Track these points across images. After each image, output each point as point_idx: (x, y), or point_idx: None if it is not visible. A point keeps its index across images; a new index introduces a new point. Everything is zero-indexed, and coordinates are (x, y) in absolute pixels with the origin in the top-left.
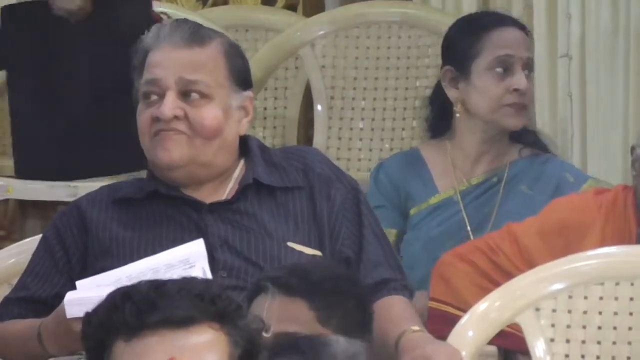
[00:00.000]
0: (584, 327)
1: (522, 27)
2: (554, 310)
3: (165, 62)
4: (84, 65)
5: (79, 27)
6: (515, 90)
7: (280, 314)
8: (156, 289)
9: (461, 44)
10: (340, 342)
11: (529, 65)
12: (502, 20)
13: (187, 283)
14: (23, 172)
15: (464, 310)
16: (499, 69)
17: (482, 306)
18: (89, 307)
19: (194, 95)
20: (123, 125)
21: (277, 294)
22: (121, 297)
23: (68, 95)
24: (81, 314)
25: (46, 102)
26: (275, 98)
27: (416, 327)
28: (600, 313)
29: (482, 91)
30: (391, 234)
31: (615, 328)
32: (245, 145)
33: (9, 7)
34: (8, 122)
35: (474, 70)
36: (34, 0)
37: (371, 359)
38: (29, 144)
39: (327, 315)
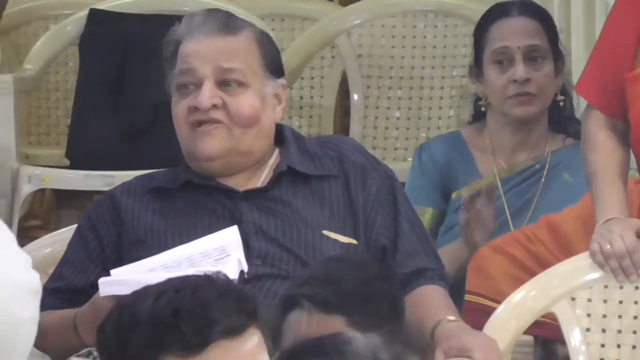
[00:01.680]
0: (620, 316)
1: (532, 14)
2: (589, 300)
3: (200, 51)
4: (147, 77)
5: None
6: (515, 81)
7: (319, 332)
8: (197, 297)
9: (475, 39)
10: (361, 339)
11: (532, 54)
12: (504, 11)
13: (218, 284)
14: (77, 160)
15: (500, 303)
16: (497, 62)
17: (518, 296)
18: (123, 288)
19: (231, 84)
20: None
21: (314, 311)
22: (170, 312)
23: (131, 97)
24: (114, 293)
25: (110, 100)
26: (312, 87)
27: (452, 317)
28: (635, 302)
29: (490, 85)
30: (427, 212)
31: None
32: (280, 134)
33: (96, 11)
34: (45, 114)
35: (484, 65)
36: (119, 12)
37: (397, 352)
38: (88, 136)
39: (364, 325)
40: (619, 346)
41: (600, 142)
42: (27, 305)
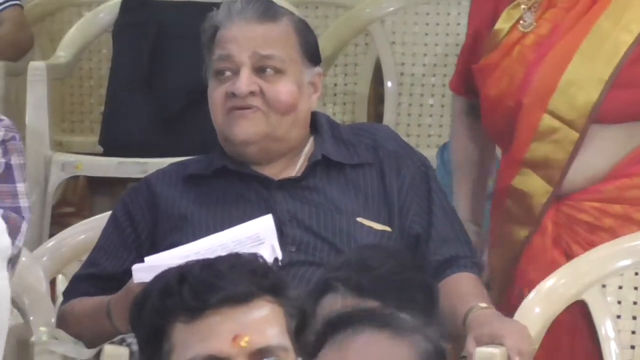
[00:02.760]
0: None
1: None
2: (620, 287)
3: (239, 38)
4: (181, 64)
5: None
6: None
7: None
8: (209, 268)
9: None
10: (405, 315)
11: None
12: None
13: (237, 259)
14: (111, 148)
15: None
16: None
17: (548, 283)
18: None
19: (269, 71)
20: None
21: (349, 295)
22: (176, 280)
23: (164, 84)
24: (148, 279)
25: (144, 87)
26: (345, 74)
27: (484, 304)
28: None
29: None
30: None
31: None
32: (314, 122)
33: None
34: (78, 101)
35: None
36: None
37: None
38: (122, 123)
39: (398, 311)
40: None
41: (460, 129)
42: None
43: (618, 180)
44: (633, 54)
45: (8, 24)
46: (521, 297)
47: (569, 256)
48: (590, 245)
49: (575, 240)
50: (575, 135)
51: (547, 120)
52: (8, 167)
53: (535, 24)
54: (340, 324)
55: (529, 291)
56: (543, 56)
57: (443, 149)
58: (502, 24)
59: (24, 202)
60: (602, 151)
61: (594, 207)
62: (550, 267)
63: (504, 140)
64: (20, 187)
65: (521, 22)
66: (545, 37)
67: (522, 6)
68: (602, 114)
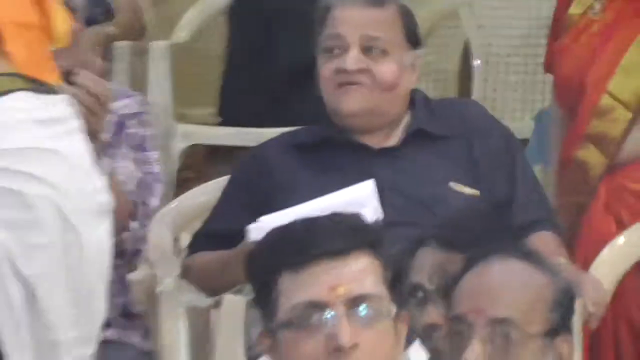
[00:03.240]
0: None
1: None
2: None
3: (350, 19)
4: (291, 41)
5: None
6: None
7: (445, 268)
8: (311, 225)
9: None
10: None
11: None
12: None
13: (337, 217)
14: (228, 119)
15: None
16: None
17: (620, 240)
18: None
19: (375, 51)
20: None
21: (439, 250)
22: (283, 236)
23: (277, 61)
24: (260, 237)
25: (259, 64)
26: (437, 54)
27: (562, 259)
28: None
29: None
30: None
31: None
32: (412, 98)
33: None
34: (198, 77)
35: None
36: None
37: None
38: (238, 96)
39: None
40: None
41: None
42: (98, 224)
43: None
44: None
45: (125, 10)
46: (583, 263)
47: (620, 222)
48: (638, 213)
49: (626, 207)
50: (629, 115)
51: (605, 100)
52: (142, 137)
53: (602, 12)
54: (484, 253)
55: (587, 256)
56: (606, 42)
57: (540, 115)
58: (575, 10)
59: (157, 169)
60: None
61: None
62: (604, 232)
63: (571, 116)
64: (154, 155)
65: (591, 10)
66: (609, 26)
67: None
68: None
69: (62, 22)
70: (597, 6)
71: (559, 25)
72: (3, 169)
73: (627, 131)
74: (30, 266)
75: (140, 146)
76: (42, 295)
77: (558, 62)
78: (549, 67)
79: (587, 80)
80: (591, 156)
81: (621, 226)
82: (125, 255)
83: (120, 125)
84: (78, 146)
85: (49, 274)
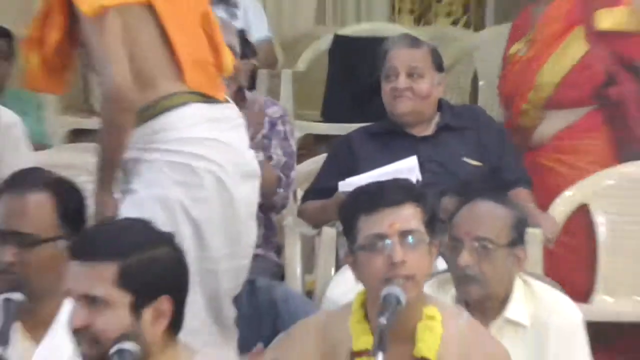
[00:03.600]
0: None
1: None
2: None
3: (399, 56)
4: (367, 70)
5: None
6: None
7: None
8: (379, 185)
9: None
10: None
11: None
12: None
13: (395, 180)
14: (330, 117)
15: None
16: None
17: (567, 192)
18: (350, 188)
19: (415, 75)
20: None
21: (455, 197)
22: (360, 192)
23: (359, 81)
24: (348, 190)
25: (348, 83)
26: (457, 76)
27: (532, 205)
28: None
29: None
30: None
31: None
32: (440, 104)
33: (340, 36)
34: (309, 91)
35: None
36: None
37: None
38: (334, 103)
39: None
40: None
41: None
42: (245, 185)
43: (564, 140)
44: (571, 71)
45: (263, 52)
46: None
47: (534, 185)
48: (546, 180)
49: (538, 175)
50: (539, 114)
51: (525, 106)
52: (285, 132)
53: (526, 51)
54: (473, 195)
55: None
56: (526, 70)
57: None
58: (510, 52)
59: (294, 152)
60: (555, 123)
61: (553, 157)
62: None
63: (510, 115)
64: (292, 143)
65: (519, 51)
66: (529, 59)
67: (523, 43)
68: (554, 103)
69: (228, 58)
70: (524, 49)
71: (504, 62)
72: (181, 151)
73: (536, 125)
74: (197, 212)
75: (284, 138)
76: (206, 234)
77: (502, 85)
78: (499, 87)
79: (516, 96)
80: (518, 140)
81: (535, 188)
82: (276, 208)
83: (273, 124)
84: (236, 136)
85: (210, 218)
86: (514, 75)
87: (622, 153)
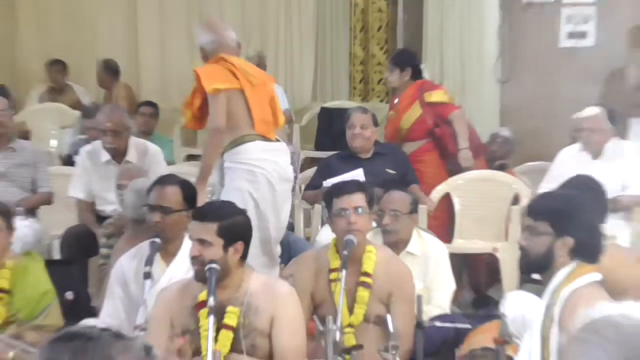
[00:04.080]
0: None
1: None
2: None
3: (355, 117)
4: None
5: None
6: None
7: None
8: (343, 183)
9: None
10: None
11: None
12: None
13: (352, 180)
14: (318, 148)
15: None
16: None
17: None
18: (330, 184)
19: (364, 127)
20: None
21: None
22: (334, 186)
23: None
24: (328, 185)
25: (329, 134)
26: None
27: (420, 193)
28: None
29: None
30: None
31: None
32: (375, 142)
33: None
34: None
35: None
36: None
37: None
38: (323, 140)
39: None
40: None
41: None
42: (284, 185)
43: (417, 157)
44: (414, 123)
45: (287, 116)
46: None
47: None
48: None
49: (419, 163)
50: (401, 144)
51: (400, 130)
52: (293, 154)
53: (394, 114)
54: (390, 187)
55: None
56: (394, 122)
57: None
58: (389, 114)
59: (297, 169)
60: (409, 148)
61: (415, 166)
62: None
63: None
64: (297, 163)
65: (392, 115)
66: (396, 118)
67: (393, 110)
68: (407, 139)
69: (281, 118)
70: (394, 113)
71: (387, 119)
72: (249, 164)
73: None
74: (256, 196)
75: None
76: (261, 208)
77: (386, 130)
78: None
79: (392, 135)
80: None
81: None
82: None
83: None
84: (280, 158)
85: (263, 200)
86: (390, 125)
87: (446, 163)
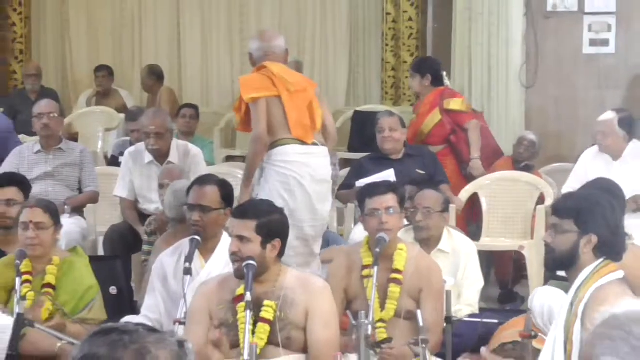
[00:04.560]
0: None
1: None
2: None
3: (385, 120)
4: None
5: None
6: None
7: None
8: (375, 183)
9: None
10: None
11: None
12: None
13: (384, 181)
14: (352, 150)
15: None
16: None
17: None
18: (363, 184)
19: (393, 130)
20: None
21: (413, 187)
22: (367, 187)
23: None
24: (361, 185)
25: (363, 135)
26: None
27: (450, 192)
28: None
29: None
30: None
31: None
32: (404, 143)
33: None
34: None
35: None
36: None
37: None
38: (356, 143)
39: None
40: None
41: None
42: (313, 185)
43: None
44: (434, 128)
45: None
46: None
47: None
48: None
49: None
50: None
51: (420, 131)
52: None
53: (416, 118)
54: (422, 187)
55: None
56: (416, 126)
57: None
58: (412, 117)
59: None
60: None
61: None
62: None
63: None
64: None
65: (414, 118)
66: (417, 121)
67: (415, 114)
68: (427, 143)
69: (319, 122)
70: (415, 118)
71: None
72: (282, 166)
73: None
74: (286, 196)
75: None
76: (293, 207)
77: (407, 133)
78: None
79: (413, 138)
80: None
81: None
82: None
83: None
84: (321, 160)
85: (294, 200)
86: (411, 128)
87: (461, 167)
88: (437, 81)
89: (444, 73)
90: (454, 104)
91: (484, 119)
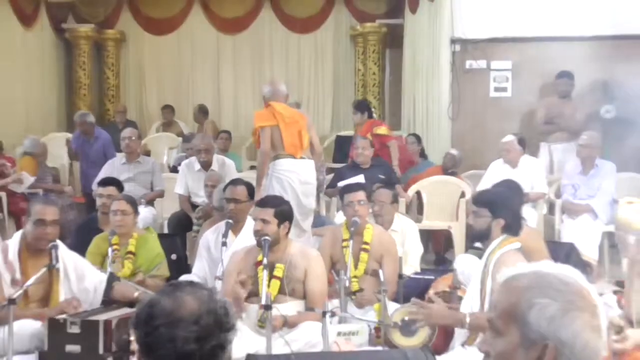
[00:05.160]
0: None
1: None
2: None
3: (359, 141)
4: None
5: None
6: None
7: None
8: (350, 184)
9: None
10: None
11: None
12: None
13: (357, 183)
14: (335, 161)
15: None
16: None
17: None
18: (343, 185)
19: (365, 148)
20: None
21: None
22: (345, 186)
23: None
24: (342, 185)
25: None
26: None
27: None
28: None
29: None
30: None
31: None
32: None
33: None
34: None
35: None
36: None
37: None
38: (337, 156)
39: None
40: None
41: None
42: (300, 186)
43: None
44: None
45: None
46: None
47: None
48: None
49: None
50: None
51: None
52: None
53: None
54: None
55: None
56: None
57: None
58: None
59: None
60: None
61: None
62: None
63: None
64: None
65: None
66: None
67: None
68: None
69: (306, 143)
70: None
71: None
72: (280, 173)
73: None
74: (283, 194)
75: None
76: (303, 202)
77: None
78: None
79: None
80: None
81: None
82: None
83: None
84: (307, 169)
85: (288, 196)
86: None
87: None
88: (370, 115)
89: (374, 109)
90: (381, 130)
91: (402, 140)
